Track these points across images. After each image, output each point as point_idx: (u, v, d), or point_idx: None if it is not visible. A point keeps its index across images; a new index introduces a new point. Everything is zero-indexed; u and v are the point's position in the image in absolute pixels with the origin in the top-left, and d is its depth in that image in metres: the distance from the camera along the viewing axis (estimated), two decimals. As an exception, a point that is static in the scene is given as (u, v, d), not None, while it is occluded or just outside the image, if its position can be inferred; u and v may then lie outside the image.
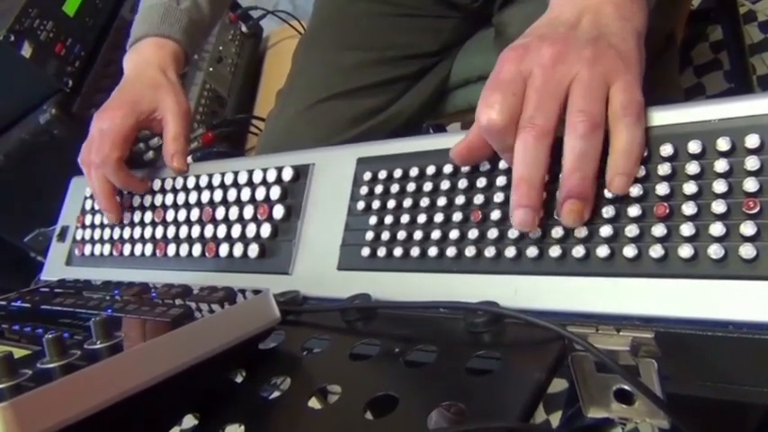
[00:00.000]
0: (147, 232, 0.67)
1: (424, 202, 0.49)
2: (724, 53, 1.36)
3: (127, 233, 0.70)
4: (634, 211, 0.40)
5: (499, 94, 0.42)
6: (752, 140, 0.38)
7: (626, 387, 0.39)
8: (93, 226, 0.74)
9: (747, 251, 0.36)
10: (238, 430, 0.43)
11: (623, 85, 0.41)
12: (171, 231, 0.65)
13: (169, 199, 0.67)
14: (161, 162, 0.72)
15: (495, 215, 0.45)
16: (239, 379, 0.48)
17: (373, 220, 0.52)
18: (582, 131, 0.40)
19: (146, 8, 0.78)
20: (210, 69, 1.41)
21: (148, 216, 0.68)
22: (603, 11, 0.44)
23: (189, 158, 0.77)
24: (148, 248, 0.67)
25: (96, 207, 0.74)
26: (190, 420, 0.46)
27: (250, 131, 1.39)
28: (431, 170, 0.50)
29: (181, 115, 0.70)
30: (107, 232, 0.72)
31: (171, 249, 0.65)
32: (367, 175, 0.54)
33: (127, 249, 0.69)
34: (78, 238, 0.75)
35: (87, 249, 0.73)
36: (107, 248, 0.71)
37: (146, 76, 0.73)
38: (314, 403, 0.42)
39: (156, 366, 0.40)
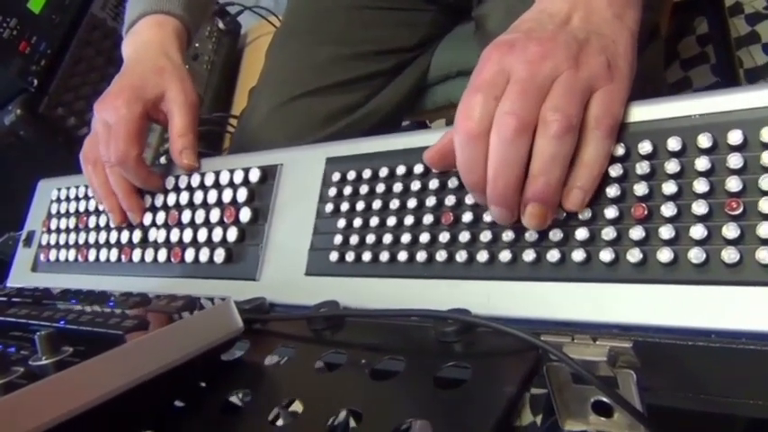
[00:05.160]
0: (113, 237, 0.65)
1: (394, 203, 0.47)
2: (711, 46, 1.34)
3: (92, 238, 0.67)
4: (611, 212, 0.38)
5: (480, 96, 0.39)
6: (734, 136, 0.35)
7: (604, 399, 0.37)
8: (58, 230, 0.71)
9: (730, 255, 0.34)
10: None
11: (604, 96, 0.39)
12: (136, 236, 0.63)
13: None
14: None
15: (467, 217, 0.43)
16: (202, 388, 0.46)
17: (342, 223, 0.49)
18: (554, 131, 0.37)
19: None
20: (186, 67, 1.38)
21: (113, 220, 0.65)
22: (595, 6, 0.41)
23: (162, 159, 0.74)
24: (114, 254, 0.64)
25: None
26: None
27: (227, 131, 1.37)
28: (401, 170, 0.48)
29: (187, 106, 0.64)
30: (72, 237, 0.69)
31: (136, 255, 0.62)
32: (336, 176, 0.51)
33: (92, 255, 0.66)
34: (44, 243, 0.72)
35: (53, 255, 0.71)
36: (72, 254, 0.69)
37: (147, 59, 0.66)
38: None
39: (105, 383, 0.38)
